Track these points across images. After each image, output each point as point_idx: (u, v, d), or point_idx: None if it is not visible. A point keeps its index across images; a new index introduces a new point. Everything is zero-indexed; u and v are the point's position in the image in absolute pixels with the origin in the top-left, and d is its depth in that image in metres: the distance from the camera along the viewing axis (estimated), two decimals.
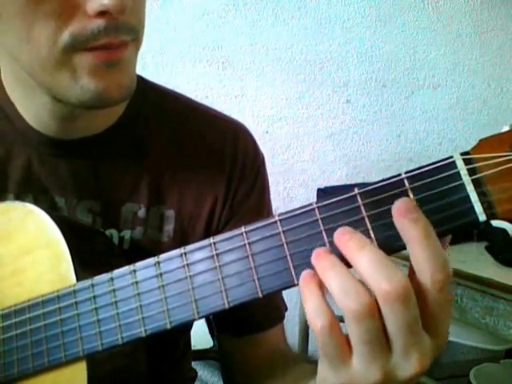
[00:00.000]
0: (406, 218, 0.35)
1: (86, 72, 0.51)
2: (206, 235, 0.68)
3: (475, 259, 1.53)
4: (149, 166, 0.68)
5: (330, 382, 0.39)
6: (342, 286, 0.35)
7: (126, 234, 0.67)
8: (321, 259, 0.37)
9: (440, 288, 0.35)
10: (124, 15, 0.49)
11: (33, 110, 0.63)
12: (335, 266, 0.36)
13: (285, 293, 0.70)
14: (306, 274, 0.38)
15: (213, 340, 1.58)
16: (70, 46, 0.50)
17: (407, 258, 0.36)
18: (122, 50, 0.52)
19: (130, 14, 0.50)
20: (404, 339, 0.35)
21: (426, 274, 0.35)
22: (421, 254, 0.35)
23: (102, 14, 0.48)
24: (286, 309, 0.77)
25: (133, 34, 0.53)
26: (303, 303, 0.37)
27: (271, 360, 0.71)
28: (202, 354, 1.54)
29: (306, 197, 2.02)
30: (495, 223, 1.52)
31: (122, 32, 0.51)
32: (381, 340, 0.35)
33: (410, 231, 0.35)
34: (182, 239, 0.68)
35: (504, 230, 1.52)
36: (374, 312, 0.34)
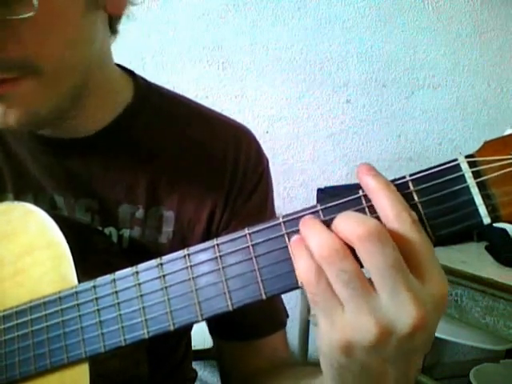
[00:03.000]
0: (367, 175, 0.39)
1: None
2: (206, 238, 0.67)
3: (475, 259, 1.54)
4: (148, 167, 0.68)
5: (329, 338, 0.38)
6: (317, 239, 0.38)
7: (125, 232, 0.67)
8: (304, 222, 0.40)
9: (409, 226, 0.37)
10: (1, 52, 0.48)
11: None
12: (315, 225, 0.39)
13: (284, 294, 0.70)
14: (295, 237, 0.40)
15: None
16: None
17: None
18: (8, 86, 0.51)
19: (11, 48, 0.48)
20: (389, 280, 0.35)
21: (392, 216, 0.37)
22: (384, 201, 0.38)
23: None
24: (288, 316, 0.76)
25: (19, 68, 0.50)
26: (294, 264, 0.39)
27: (270, 365, 0.70)
28: (202, 354, 1.53)
29: (306, 197, 2.02)
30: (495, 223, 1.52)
31: None
32: (362, 282, 0.36)
33: (371, 184, 0.39)
34: (181, 241, 0.68)
35: (504, 230, 1.52)
36: (343, 254, 0.36)
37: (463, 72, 2.15)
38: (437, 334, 1.73)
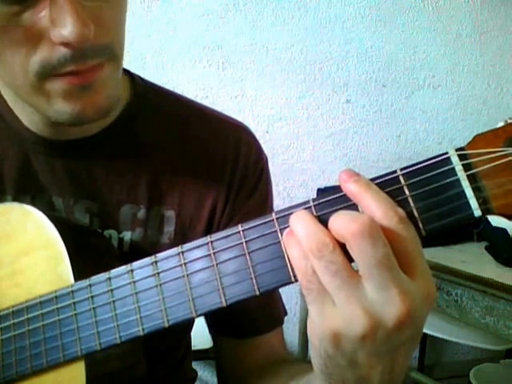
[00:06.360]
0: (347, 181, 0.40)
1: (61, 96, 0.52)
2: None
3: (475, 259, 1.54)
4: (148, 166, 0.68)
5: (319, 328, 0.39)
6: (306, 232, 0.38)
7: (126, 235, 0.67)
8: (293, 216, 0.40)
9: (397, 224, 0.37)
10: (90, 40, 0.48)
11: (26, 113, 0.63)
12: (303, 218, 0.39)
13: (284, 293, 0.70)
14: (287, 229, 0.40)
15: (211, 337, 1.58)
16: (40, 73, 0.50)
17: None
18: (95, 71, 0.51)
19: (98, 35, 0.49)
20: (378, 276, 0.36)
21: (379, 216, 0.37)
22: (369, 203, 0.38)
23: (65, 43, 0.48)
24: (286, 313, 0.76)
25: (106, 54, 0.52)
26: (288, 253, 0.40)
27: (267, 363, 0.70)
28: (202, 354, 1.53)
29: (306, 197, 1.98)
30: (495, 223, 1.53)
31: (90, 57, 0.50)
32: (350, 273, 0.37)
33: (353, 190, 0.39)
34: (182, 241, 0.68)
35: (504, 230, 1.52)
36: (332, 247, 0.37)
37: (463, 72, 2.15)
38: (437, 334, 1.73)
